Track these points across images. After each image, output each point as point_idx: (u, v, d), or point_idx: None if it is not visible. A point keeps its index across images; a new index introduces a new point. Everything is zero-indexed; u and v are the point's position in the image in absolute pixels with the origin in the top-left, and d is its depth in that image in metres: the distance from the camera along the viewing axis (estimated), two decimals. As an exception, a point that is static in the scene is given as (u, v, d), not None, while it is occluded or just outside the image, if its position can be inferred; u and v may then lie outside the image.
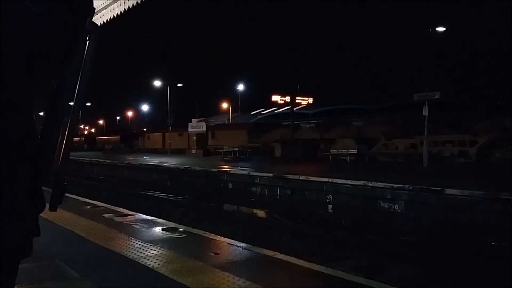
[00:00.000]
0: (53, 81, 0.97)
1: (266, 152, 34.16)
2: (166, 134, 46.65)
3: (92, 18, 1.00)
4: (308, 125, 36.80)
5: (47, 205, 0.96)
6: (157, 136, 50.37)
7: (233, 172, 18.79)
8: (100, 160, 32.64)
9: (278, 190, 15.97)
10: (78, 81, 0.99)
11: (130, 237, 5.72)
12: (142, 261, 4.50)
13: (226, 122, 51.90)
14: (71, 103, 1.01)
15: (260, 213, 14.41)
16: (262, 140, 35.79)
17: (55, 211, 0.96)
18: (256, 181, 17.05)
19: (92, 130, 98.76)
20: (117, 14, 11.70)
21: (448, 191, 11.00)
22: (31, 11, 0.84)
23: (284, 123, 38.63)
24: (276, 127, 38.05)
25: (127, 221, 7.05)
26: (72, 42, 0.95)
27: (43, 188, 0.96)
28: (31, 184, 0.89)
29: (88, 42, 0.99)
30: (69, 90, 0.98)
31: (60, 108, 0.97)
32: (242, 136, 37.09)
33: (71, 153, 1.06)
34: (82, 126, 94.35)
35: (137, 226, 6.59)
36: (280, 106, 46.12)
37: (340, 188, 13.62)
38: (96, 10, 1.09)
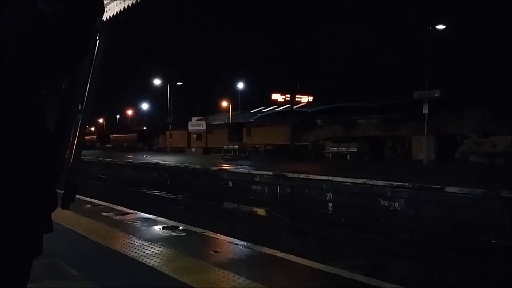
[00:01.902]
0: (64, 81, 0.98)
1: (315, 152, 30.37)
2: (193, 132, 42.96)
3: (102, 17, 0.99)
4: (369, 121, 30.06)
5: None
6: (181, 133, 44.90)
7: (233, 170, 18.80)
8: (99, 158, 32.65)
9: (278, 189, 15.99)
10: (89, 80, 1.00)
11: (130, 236, 5.72)
12: (142, 260, 4.51)
13: (226, 121, 51.78)
14: (82, 103, 1.01)
15: (260, 212, 14.43)
16: (310, 138, 31.59)
17: (68, 209, 0.98)
18: (256, 179, 17.06)
19: (92, 129, 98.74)
20: (117, 12, 11.70)
21: (448, 189, 11.02)
22: (43, 12, 0.84)
23: (337, 119, 32.70)
24: (327, 123, 32.67)
25: (127, 219, 7.05)
26: (84, 42, 0.95)
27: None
28: (43, 182, 0.90)
29: (98, 41, 0.99)
30: (80, 90, 0.99)
31: (72, 108, 0.98)
32: (284, 133, 32.74)
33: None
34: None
35: (137, 225, 6.59)
36: (280, 104, 46.13)
37: (340, 186, 13.63)
38: None
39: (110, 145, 61.76)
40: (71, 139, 0.99)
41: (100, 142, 64.59)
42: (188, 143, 43.65)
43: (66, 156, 0.99)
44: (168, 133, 46.72)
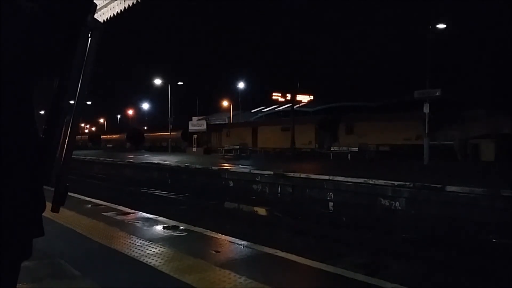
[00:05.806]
0: (54, 80, 0.96)
1: (463, 153, 23.35)
2: (259, 128, 36.70)
3: (94, 14, 0.97)
4: None
5: (49, 206, 0.94)
6: (244, 131, 37.52)
7: (234, 170, 18.80)
8: (100, 158, 32.65)
9: (279, 188, 15.98)
10: (80, 79, 0.97)
11: (131, 236, 5.72)
12: (143, 260, 4.51)
13: (227, 121, 51.58)
14: (73, 102, 0.99)
15: (261, 211, 14.43)
16: (454, 135, 24.01)
17: (57, 212, 0.94)
18: (257, 179, 17.05)
19: (93, 129, 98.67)
20: (117, 12, 11.70)
21: (449, 188, 11.01)
22: (25, 8, 0.83)
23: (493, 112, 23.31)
24: (483, 116, 23.60)
25: (128, 219, 7.05)
26: (71, 39, 0.93)
27: (46, 188, 0.94)
28: (31, 184, 0.88)
29: (90, 39, 0.97)
30: (71, 89, 0.96)
31: (62, 107, 0.95)
32: (409, 129, 25.38)
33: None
34: (82, 125, 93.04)
35: (138, 225, 6.59)
36: (280, 104, 46.13)
37: (340, 185, 13.62)
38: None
39: (111, 145, 60.14)
40: (62, 139, 0.96)
41: (131, 143, 54.47)
42: (254, 143, 35.95)
43: (57, 156, 0.96)
44: (225, 131, 39.56)
